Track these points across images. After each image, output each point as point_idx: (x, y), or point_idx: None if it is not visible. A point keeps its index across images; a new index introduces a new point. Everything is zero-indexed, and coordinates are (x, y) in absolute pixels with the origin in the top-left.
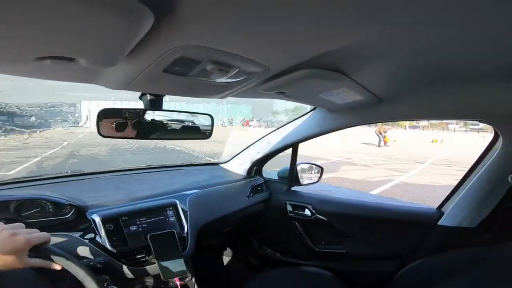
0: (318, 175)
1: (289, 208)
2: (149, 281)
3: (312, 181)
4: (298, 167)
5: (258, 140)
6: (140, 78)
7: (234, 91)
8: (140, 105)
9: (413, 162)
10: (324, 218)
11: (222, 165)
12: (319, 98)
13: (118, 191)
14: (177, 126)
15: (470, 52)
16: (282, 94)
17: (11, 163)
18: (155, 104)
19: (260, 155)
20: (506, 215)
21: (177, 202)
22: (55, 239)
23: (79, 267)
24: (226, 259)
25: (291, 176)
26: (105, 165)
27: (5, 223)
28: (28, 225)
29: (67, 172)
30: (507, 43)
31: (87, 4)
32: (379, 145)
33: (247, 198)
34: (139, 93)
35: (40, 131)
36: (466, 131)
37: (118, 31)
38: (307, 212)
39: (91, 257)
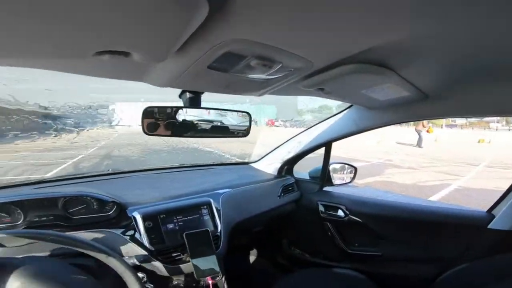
0: (351, 175)
1: (321, 208)
2: (181, 279)
3: (344, 182)
4: (331, 167)
5: (289, 139)
6: (185, 75)
7: (273, 88)
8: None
9: (464, 164)
10: (358, 219)
11: (252, 165)
12: (360, 95)
13: (154, 190)
14: (217, 123)
15: None
16: (321, 91)
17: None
18: (195, 102)
19: (291, 155)
20: None
21: (212, 201)
22: (99, 235)
23: (120, 263)
24: (255, 258)
25: (323, 176)
26: (141, 164)
27: (53, 219)
28: (74, 221)
29: (108, 170)
30: None
31: None
32: (419, 145)
33: (278, 197)
34: (166, 94)
35: (78, 131)
36: (510, 129)
37: (174, 23)
38: (340, 213)
39: (131, 254)
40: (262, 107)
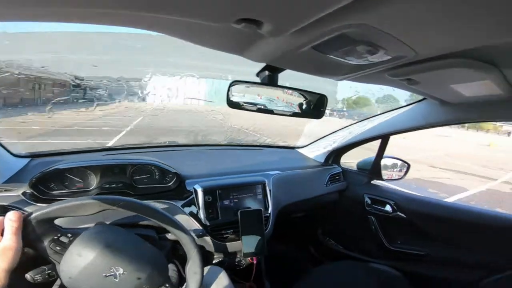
0: (403, 172)
1: (368, 201)
2: (224, 257)
3: (395, 178)
4: (383, 161)
5: (340, 129)
6: (290, 53)
7: (359, 74)
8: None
9: None
10: (405, 216)
11: (299, 150)
12: (446, 88)
13: (208, 164)
14: (294, 102)
15: None
16: (407, 81)
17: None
18: (273, 80)
19: (341, 144)
20: None
21: (266, 181)
22: (163, 207)
23: (191, 242)
24: (290, 244)
25: (374, 169)
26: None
27: (122, 187)
28: (138, 190)
29: (165, 143)
30: None
31: None
32: None
33: (325, 185)
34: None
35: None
36: None
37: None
38: (387, 208)
39: (189, 228)
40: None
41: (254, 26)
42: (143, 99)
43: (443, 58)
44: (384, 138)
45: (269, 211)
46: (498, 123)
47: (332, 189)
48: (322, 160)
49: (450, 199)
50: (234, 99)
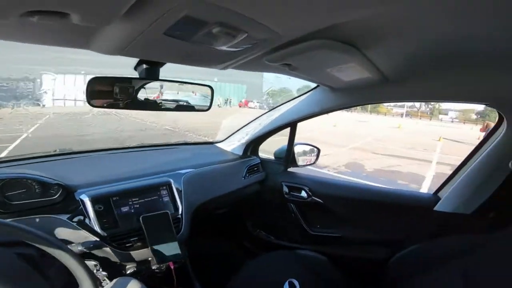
0: (315, 156)
1: (285, 189)
2: (140, 266)
3: (308, 163)
4: (295, 148)
5: (254, 119)
6: (138, 41)
7: (237, 61)
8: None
9: None
10: (320, 200)
11: (218, 145)
12: (325, 73)
13: (108, 170)
14: (175, 97)
15: (481, 37)
16: (287, 66)
17: None
18: (152, 73)
19: (256, 135)
20: (502, 202)
21: (172, 181)
22: (40, 222)
23: (65, 252)
24: (221, 242)
25: (288, 156)
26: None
27: None
28: (14, 207)
29: (55, 151)
30: None
31: None
32: None
33: (243, 178)
34: (114, 67)
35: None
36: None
37: None
38: (303, 193)
39: (80, 241)
40: (229, 85)
41: (58, 18)
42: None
43: (306, 39)
44: (293, 126)
45: (180, 213)
46: (388, 106)
47: (251, 180)
48: (241, 153)
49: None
50: (95, 97)
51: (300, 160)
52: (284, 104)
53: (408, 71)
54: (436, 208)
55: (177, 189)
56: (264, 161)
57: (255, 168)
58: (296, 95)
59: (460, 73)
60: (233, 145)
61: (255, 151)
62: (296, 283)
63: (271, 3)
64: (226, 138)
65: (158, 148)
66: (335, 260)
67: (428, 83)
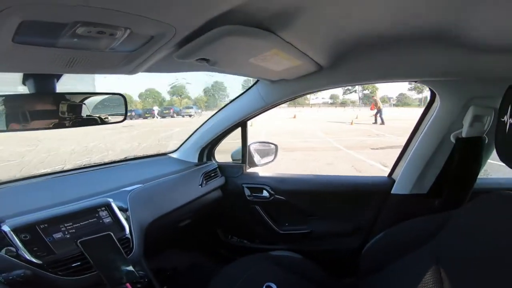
0: (273, 153)
1: (247, 192)
2: None
3: (267, 161)
4: (251, 147)
5: (204, 122)
6: None
7: (142, 63)
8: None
9: None
10: (283, 198)
11: (171, 155)
12: (251, 65)
13: (41, 198)
14: (81, 111)
15: (408, 17)
16: (206, 61)
17: None
18: (45, 86)
19: (208, 139)
20: (453, 178)
21: (111, 200)
22: None
23: None
24: (193, 253)
25: (244, 157)
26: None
27: None
28: None
29: None
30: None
31: None
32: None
33: (200, 186)
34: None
35: None
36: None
37: None
38: (265, 193)
39: (9, 270)
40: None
41: None
42: None
43: (210, 28)
44: (243, 125)
45: (126, 233)
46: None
47: (209, 187)
48: (195, 160)
49: None
50: None
51: (258, 159)
52: (230, 104)
53: (338, 56)
54: (393, 191)
55: (120, 208)
56: (222, 166)
57: (213, 174)
58: None
59: (392, 54)
60: (187, 153)
61: (210, 156)
62: (274, 286)
63: None
64: (179, 147)
65: (103, 167)
66: (309, 256)
67: (361, 66)
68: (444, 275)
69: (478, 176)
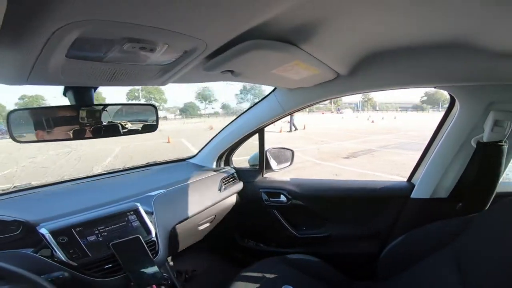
0: (290, 158)
1: (264, 196)
2: None
3: (284, 166)
4: (268, 153)
5: (222, 129)
6: (39, 68)
7: (174, 75)
8: None
9: None
10: (300, 202)
11: (190, 160)
12: (272, 75)
13: (71, 202)
14: (118, 121)
15: (424, 27)
16: (230, 73)
17: None
18: (85, 98)
19: (226, 145)
20: (474, 182)
21: (139, 205)
22: (4, 257)
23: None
24: (211, 256)
25: (262, 162)
26: None
27: None
28: None
29: (14, 187)
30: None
31: None
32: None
33: (218, 191)
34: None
35: None
36: None
37: None
38: (282, 198)
39: (48, 272)
40: None
41: None
42: None
43: (237, 42)
44: (260, 131)
45: (153, 235)
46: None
47: (228, 192)
48: (214, 166)
49: None
50: (21, 132)
51: (275, 164)
52: (248, 111)
53: (356, 63)
54: (412, 195)
55: (147, 212)
56: (239, 171)
57: (231, 179)
58: None
59: (410, 60)
60: (205, 159)
61: (228, 162)
62: None
63: (180, 9)
64: (198, 153)
65: (127, 172)
66: (327, 260)
67: (379, 72)
68: (467, 278)
69: (501, 180)
